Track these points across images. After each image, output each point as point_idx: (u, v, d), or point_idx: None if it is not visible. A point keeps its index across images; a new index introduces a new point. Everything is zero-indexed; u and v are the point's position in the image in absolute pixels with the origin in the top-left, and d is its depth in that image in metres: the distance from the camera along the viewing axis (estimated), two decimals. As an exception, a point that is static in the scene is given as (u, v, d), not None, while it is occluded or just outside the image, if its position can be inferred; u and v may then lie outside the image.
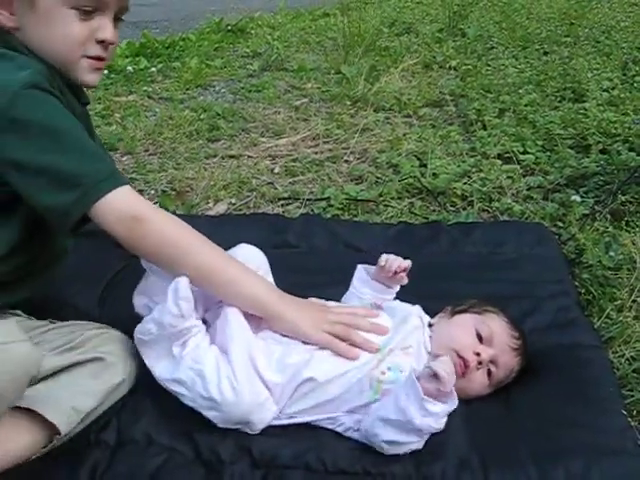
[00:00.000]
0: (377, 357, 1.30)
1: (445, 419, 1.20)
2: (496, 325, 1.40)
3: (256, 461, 1.22)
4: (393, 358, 1.30)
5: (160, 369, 1.33)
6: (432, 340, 1.39)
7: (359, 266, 1.54)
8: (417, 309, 1.45)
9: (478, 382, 1.34)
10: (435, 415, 1.17)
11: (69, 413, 1.24)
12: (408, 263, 1.47)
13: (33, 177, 1.22)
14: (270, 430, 1.28)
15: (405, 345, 1.33)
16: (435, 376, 1.16)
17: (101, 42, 1.31)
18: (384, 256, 1.48)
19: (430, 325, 1.44)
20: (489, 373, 1.35)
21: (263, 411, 1.27)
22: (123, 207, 1.25)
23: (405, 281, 1.49)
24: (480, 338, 1.37)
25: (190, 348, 1.30)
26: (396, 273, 1.47)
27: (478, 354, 1.33)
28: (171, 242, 1.30)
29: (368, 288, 1.51)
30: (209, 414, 1.27)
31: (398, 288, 1.52)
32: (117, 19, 1.34)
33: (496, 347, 1.36)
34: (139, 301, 1.46)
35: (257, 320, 1.37)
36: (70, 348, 1.35)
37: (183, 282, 1.29)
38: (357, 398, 1.27)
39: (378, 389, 1.27)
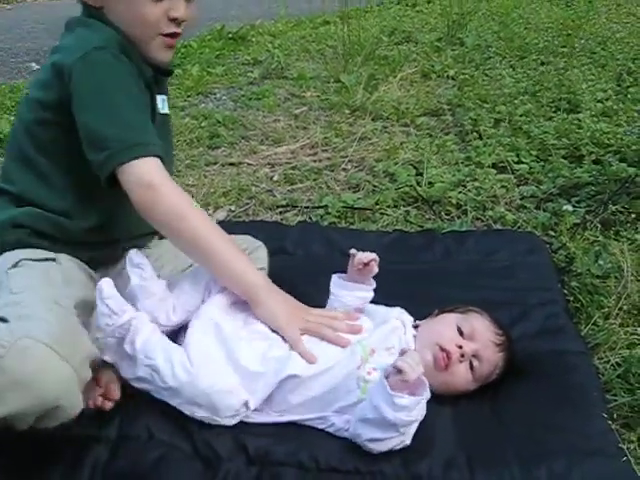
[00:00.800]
0: (360, 355, 1.35)
1: (421, 411, 1.25)
2: (478, 322, 1.46)
3: (251, 458, 1.27)
4: (378, 358, 1.35)
5: (124, 370, 1.37)
6: (417, 339, 1.45)
7: (333, 275, 1.59)
8: (397, 311, 1.51)
9: (461, 376, 1.40)
10: (405, 408, 1.22)
11: None
12: (374, 255, 1.52)
13: (81, 130, 1.37)
14: (263, 428, 1.33)
15: (388, 345, 1.39)
16: (399, 370, 1.21)
17: (174, 20, 1.42)
18: (352, 250, 1.54)
19: (416, 326, 1.50)
20: (472, 367, 1.40)
21: (230, 397, 1.32)
22: (143, 174, 1.35)
23: (375, 270, 1.53)
24: (461, 333, 1.43)
25: (139, 344, 1.35)
26: (365, 265, 1.51)
27: (460, 347, 1.39)
28: (178, 214, 1.38)
29: (345, 290, 1.55)
30: (175, 402, 1.33)
31: (374, 284, 1.56)
32: None
33: (478, 342, 1.42)
34: None
35: (246, 314, 1.43)
36: None
37: (105, 283, 1.35)
38: (344, 397, 1.32)
39: (364, 389, 1.32)
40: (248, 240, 1.76)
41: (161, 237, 1.65)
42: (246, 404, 1.33)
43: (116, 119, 1.36)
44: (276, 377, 1.33)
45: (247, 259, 1.47)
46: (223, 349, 1.36)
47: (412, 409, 1.23)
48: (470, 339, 1.42)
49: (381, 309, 1.54)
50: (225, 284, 1.44)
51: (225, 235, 1.43)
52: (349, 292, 1.55)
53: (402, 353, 1.27)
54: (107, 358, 1.36)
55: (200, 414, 1.33)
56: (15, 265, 1.38)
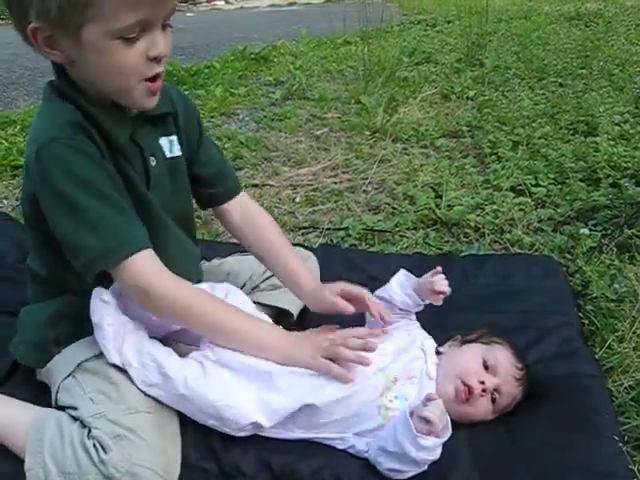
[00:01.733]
0: (383, 383, 1.39)
1: (440, 449, 1.29)
2: (501, 355, 1.49)
3: (275, 475, 1.32)
4: (400, 387, 1.40)
5: (135, 376, 1.39)
6: (440, 367, 1.48)
7: (401, 270, 1.63)
8: (419, 339, 1.54)
9: (482, 408, 1.44)
10: (428, 449, 1.26)
11: None
12: (449, 290, 1.56)
13: (54, 233, 1.33)
14: (286, 445, 1.38)
15: (410, 375, 1.43)
16: (426, 419, 1.25)
17: (154, 59, 1.28)
18: (439, 268, 1.58)
19: (439, 353, 1.54)
20: (493, 400, 1.44)
21: (235, 413, 1.36)
22: (129, 281, 1.33)
23: (440, 302, 1.57)
24: (486, 367, 1.46)
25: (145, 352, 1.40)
26: (437, 292, 1.55)
27: (483, 382, 1.43)
28: (181, 308, 1.37)
29: (402, 292, 1.59)
30: (184, 409, 1.38)
31: (422, 307, 1.61)
32: (165, 26, 1.29)
33: (500, 376, 1.45)
34: None
35: None
36: None
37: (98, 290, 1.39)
38: (365, 422, 1.37)
39: (386, 415, 1.36)
40: (300, 251, 1.82)
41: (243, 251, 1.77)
42: (254, 423, 1.37)
43: (83, 225, 1.29)
44: (293, 407, 1.37)
45: (254, 325, 1.46)
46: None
47: (433, 450, 1.28)
48: (493, 374, 1.45)
49: (402, 333, 1.57)
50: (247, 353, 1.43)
51: (230, 307, 1.44)
52: (403, 297, 1.59)
53: (427, 399, 1.30)
54: (115, 360, 1.40)
55: (211, 422, 1.37)
56: (78, 368, 1.42)
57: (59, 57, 1.29)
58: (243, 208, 1.71)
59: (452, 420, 1.33)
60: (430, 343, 1.55)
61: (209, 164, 1.66)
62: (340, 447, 1.39)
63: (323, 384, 1.38)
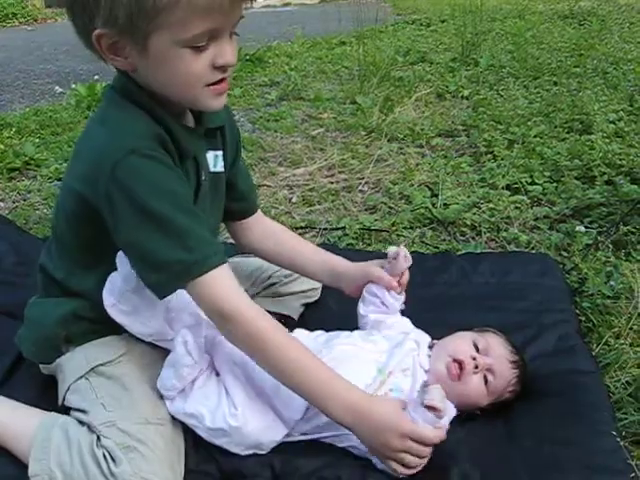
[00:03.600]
0: (379, 379, 1.41)
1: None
2: (493, 340, 1.52)
3: (276, 474, 1.33)
4: (394, 380, 1.42)
5: (174, 405, 1.39)
6: (435, 354, 1.51)
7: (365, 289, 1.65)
8: (413, 333, 1.57)
9: (475, 387, 1.44)
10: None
11: None
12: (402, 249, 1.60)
13: (127, 248, 1.30)
14: (287, 445, 1.39)
15: (404, 367, 1.45)
16: (430, 407, 1.27)
17: (220, 67, 1.25)
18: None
19: (431, 347, 1.56)
20: (486, 382, 1.45)
21: (272, 433, 1.38)
22: (207, 300, 1.28)
23: (404, 264, 1.60)
24: (477, 349, 1.48)
25: (197, 386, 1.40)
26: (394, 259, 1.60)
27: (474, 358, 1.45)
28: (256, 342, 1.30)
29: (369, 308, 1.63)
30: (222, 442, 1.37)
31: (403, 298, 1.64)
32: (232, 34, 1.27)
33: (492, 357, 1.47)
34: None
35: None
36: None
37: (189, 334, 1.37)
38: None
39: None
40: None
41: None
42: (288, 435, 1.39)
43: (167, 239, 1.24)
44: (300, 408, 1.38)
45: (337, 378, 1.32)
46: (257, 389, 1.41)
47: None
48: (485, 354, 1.48)
49: (398, 328, 1.60)
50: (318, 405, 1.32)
51: (310, 354, 1.33)
52: (369, 308, 1.63)
53: (424, 386, 1.33)
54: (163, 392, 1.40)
55: (244, 451, 1.38)
56: (92, 371, 1.42)
57: (123, 64, 1.26)
58: (260, 224, 1.74)
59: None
60: (424, 336, 1.58)
61: (242, 179, 1.67)
62: (340, 445, 1.39)
63: None
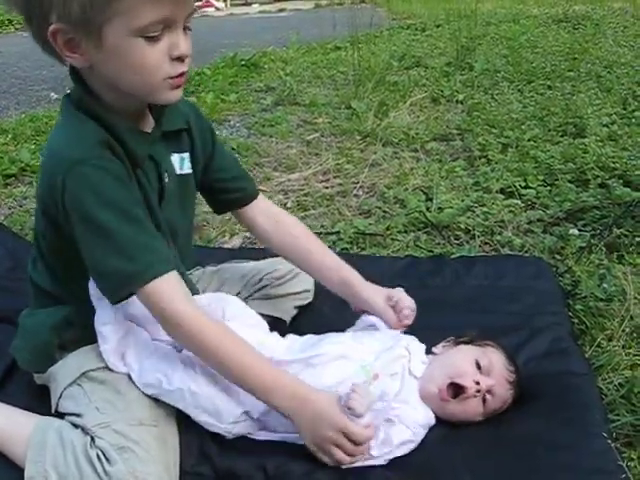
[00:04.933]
0: (363, 378, 1.41)
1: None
2: (495, 358, 1.51)
3: (269, 476, 1.34)
4: (380, 383, 1.42)
5: (134, 376, 1.43)
6: (430, 366, 1.51)
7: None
8: (405, 340, 1.57)
9: (472, 409, 1.45)
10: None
11: None
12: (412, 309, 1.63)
13: (82, 254, 1.32)
14: (279, 447, 1.40)
15: (392, 372, 1.46)
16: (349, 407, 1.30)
17: (177, 58, 1.27)
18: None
19: (433, 353, 1.57)
20: (484, 401, 1.45)
21: (230, 404, 1.39)
22: (151, 306, 1.32)
23: (408, 318, 1.63)
24: (479, 368, 1.48)
25: (145, 356, 1.43)
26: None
27: (477, 383, 1.44)
28: (197, 343, 1.34)
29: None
30: (180, 406, 1.40)
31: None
32: (185, 28, 1.28)
33: (494, 378, 1.47)
34: None
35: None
36: None
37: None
38: None
39: None
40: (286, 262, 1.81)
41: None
42: (247, 413, 1.40)
43: (111, 249, 1.28)
44: None
45: (275, 370, 1.38)
46: None
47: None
48: (487, 373, 1.47)
49: (392, 333, 1.61)
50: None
51: (248, 349, 1.37)
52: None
53: (353, 390, 1.32)
54: (116, 367, 1.42)
55: (204, 419, 1.39)
56: (83, 376, 1.43)
57: (79, 60, 1.27)
58: (267, 214, 1.73)
59: (442, 420, 1.38)
60: (417, 345, 1.57)
61: (224, 170, 1.67)
62: None
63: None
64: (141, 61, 1.24)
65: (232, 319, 1.50)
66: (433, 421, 1.44)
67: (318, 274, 1.75)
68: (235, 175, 1.71)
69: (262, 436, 1.43)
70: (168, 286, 1.31)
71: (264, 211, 1.73)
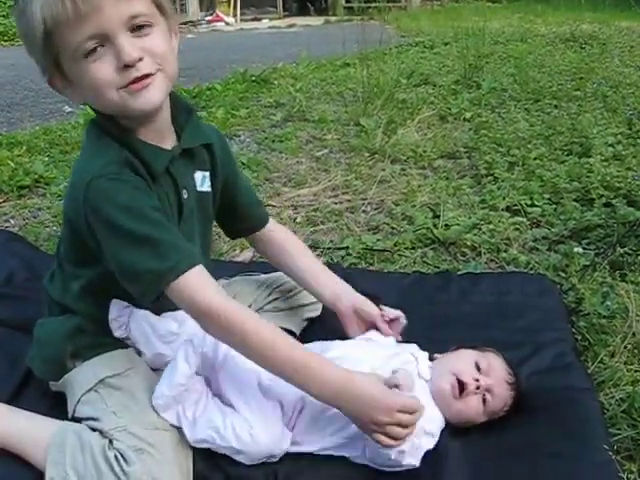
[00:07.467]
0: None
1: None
2: (495, 362, 1.57)
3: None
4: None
5: (186, 432, 1.42)
6: (434, 369, 1.56)
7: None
8: (411, 347, 1.63)
9: (473, 407, 1.50)
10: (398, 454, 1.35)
11: None
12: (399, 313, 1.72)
13: (111, 264, 1.36)
14: (292, 457, 1.44)
15: None
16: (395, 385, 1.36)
17: (125, 66, 1.27)
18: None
19: (433, 359, 1.62)
20: (484, 401, 1.50)
21: (282, 443, 1.43)
22: (183, 301, 1.34)
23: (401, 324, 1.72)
24: (478, 369, 1.53)
25: (199, 415, 1.43)
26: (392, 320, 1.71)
27: (477, 380, 1.50)
28: (233, 333, 1.33)
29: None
30: (237, 457, 1.41)
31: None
32: (135, 29, 1.29)
33: (493, 378, 1.52)
34: None
35: None
36: None
37: (190, 346, 1.43)
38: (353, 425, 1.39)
39: None
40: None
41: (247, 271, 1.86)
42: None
43: (138, 251, 1.32)
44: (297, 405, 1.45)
45: (319, 356, 1.40)
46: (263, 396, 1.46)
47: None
48: (486, 374, 1.52)
49: (393, 342, 1.68)
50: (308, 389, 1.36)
51: (286, 338, 1.38)
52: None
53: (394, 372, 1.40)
54: (167, 417, 1.43)
55: (257, 462, 1.42)
56: (100, 383, 1.47)
57: (72, 97, 1.40)
58: (269, 237, 1.82)
59: (447, 423, 1.44)
60: (422, 353, 1.63)
61: (240, 196, 1.74)
62: (336, 454, 1.44)
63: None
64: (92, 81, 1.30)
65: None
66: (444, 423, 1.49)
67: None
68: (248, 205, 1.78)
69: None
70: (196, 279, 1.34)
71: (271, 240, 1.82)
